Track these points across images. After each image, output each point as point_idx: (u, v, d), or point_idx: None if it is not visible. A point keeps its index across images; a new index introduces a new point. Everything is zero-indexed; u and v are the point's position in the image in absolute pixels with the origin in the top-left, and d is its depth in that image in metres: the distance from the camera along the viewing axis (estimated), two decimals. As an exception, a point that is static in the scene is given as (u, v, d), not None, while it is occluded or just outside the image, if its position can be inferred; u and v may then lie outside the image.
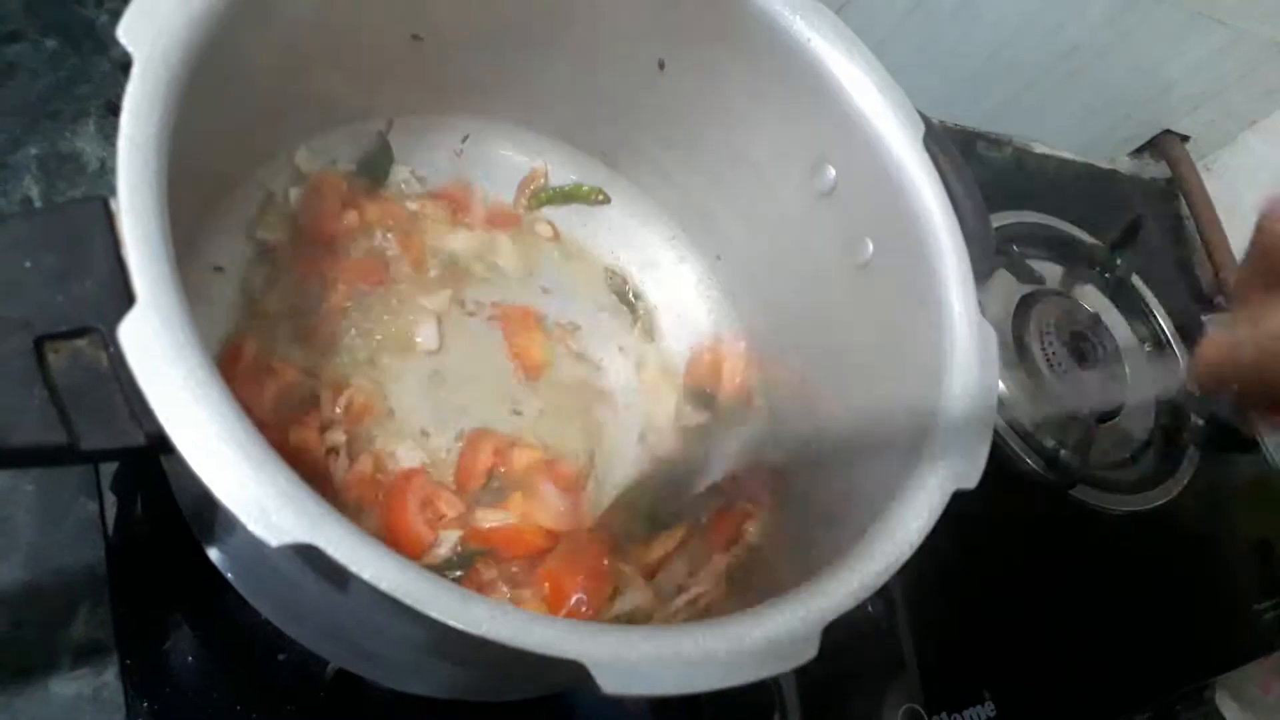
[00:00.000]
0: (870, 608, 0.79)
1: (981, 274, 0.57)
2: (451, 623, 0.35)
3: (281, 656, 0.58)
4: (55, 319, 0.37)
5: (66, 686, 0.57)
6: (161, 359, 0.34)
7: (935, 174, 0.57)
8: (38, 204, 0.67)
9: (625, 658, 0.37)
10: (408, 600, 0.34)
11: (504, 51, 0.66)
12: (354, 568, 0.34)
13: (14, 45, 0.76)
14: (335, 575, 0.35)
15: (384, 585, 0.34)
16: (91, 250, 0.38)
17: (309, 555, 0.34)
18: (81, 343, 0.37)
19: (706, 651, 0.39)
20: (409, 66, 0.65)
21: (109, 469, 0.61)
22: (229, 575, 0.52)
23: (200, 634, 0.59)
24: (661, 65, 0.65)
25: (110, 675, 0.57)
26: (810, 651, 0.40)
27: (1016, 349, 0.99)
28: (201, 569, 0.54)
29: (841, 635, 0.42)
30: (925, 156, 0.57)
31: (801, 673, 0.40)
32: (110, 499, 0.60)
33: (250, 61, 0.50)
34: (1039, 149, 1.32)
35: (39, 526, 0.61)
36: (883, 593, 0.44)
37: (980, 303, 0.55)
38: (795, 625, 0.41)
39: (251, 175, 0.63)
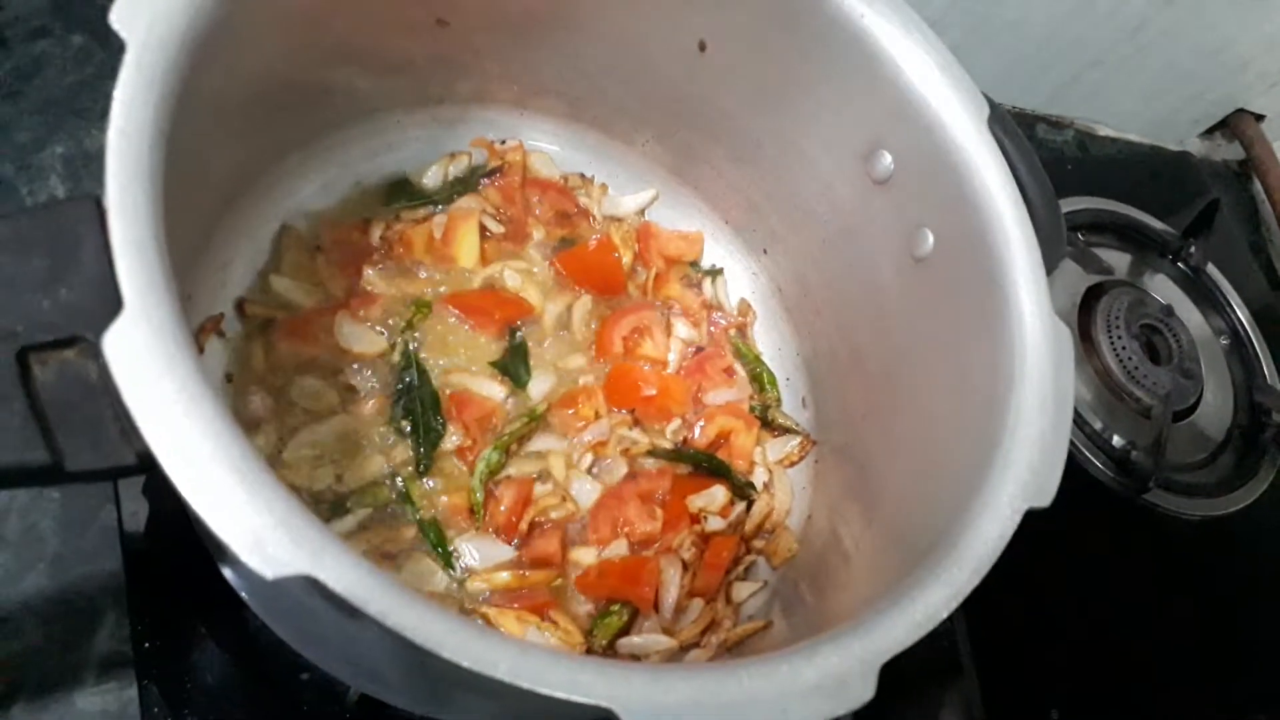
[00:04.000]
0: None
1: (1051, 267, 0.52)
2: (466, 664, 0.31)
3: (305, 676, 0.56)
4: (42, 328, 0.34)
5: (91, 701, 0.56)
6: (150, 370, 0.31)
7: (1001, 160, 0.52)
8: (61, 204, 0.66)
9: (660, 702, 0.33)
10: (417, 639, 0.31)
11: (535, 36, 0.62)
12: (357, 602, 0.31)
13: (40, 41, 0.75)
14: (342, 606, 0.32)
15: (390, 621, 0.31)
16: (82, 253, 0.35)
17: (310, 587, 0.31)
18: (70, 353, 0.34)
19: (750, 694, 0.35)
20: (435, 55, 0.61)
21: (129, 479, 0.59)
22: (244, 595, 0.49)
23: (223, 651, 0.57)
24: (703, 47, 0.61)
25: (135, 691, 0.55)
26: (867, 693, 0.36)
27: (1083, 344, 0.94)
28: (223, 584, 0.51)
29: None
30: (990, 141, 0.53)
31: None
32: (129, 509, 0.58)
33: (260, 50, 0.47)
34: (1103, 131, 1.26)
35: (64, 536, 0.60)
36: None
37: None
38: (851, 663, 0.37)
39: (273, 169, 0.60)
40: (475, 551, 0.55)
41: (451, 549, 0.56)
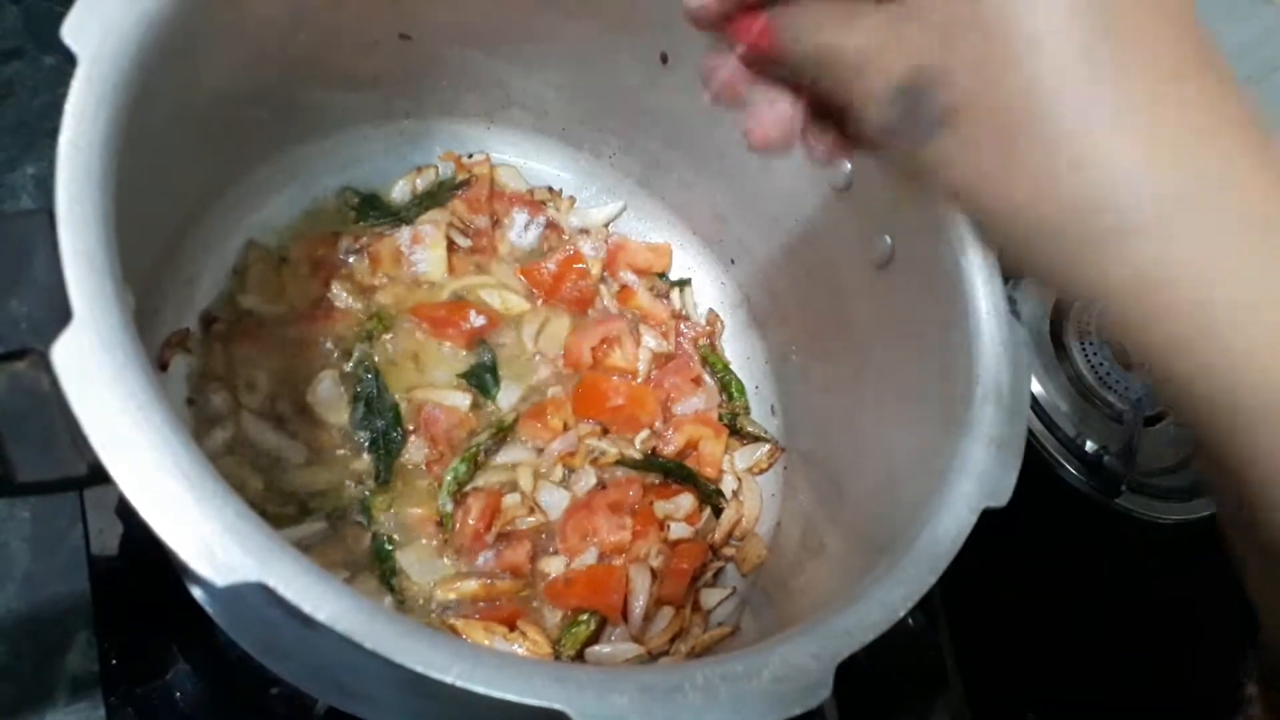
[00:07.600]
0: (911, 621, 0.75)
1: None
2: (417, 668, 0.31)
3: (274, 691, 0.56)
4: (-7, 340, 0.34)
5: (62, 722, 0.55)
6: (98, 381, 0.32)
7: (956, 163, 0.53)
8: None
9: (615, 704, 0.33)
10: (368, 644, 0.31)
11: (499, 50, 0.63)
12: (308, 608, 0.31)
13: (13, 63, 0.75)
14: (294, 613, 0.32)
15: (341, 627, 0.31)
16: (34, 266, 0.35)
17: (261, 594, 0.31)
18: (21, 365, 0.34)
19: (706, 695, 0.35)
20: (400, 69, 0.62)
21: (96, 496, 0.59)
22: (210, 611, 0.49)
23: (193, 668, 0.57)
24: (664, 59, 0.62)
25: (104, 712, 0.55)
26: (824, 692, 0.36)
27: (1054, 349, 0.94)
28: (193, 602, 0.51)
29: (883, 649, 0.39)
30: (946, 145, 0.53)
31: (842, 686, 0.36)
32: (96, 527, 0.58)
33: (221, 64, 0.48)
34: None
35: (34, 555, 0.59)
36: (925, 606, 0.39)
37: (1013, 300, 0.51)
38: (807, 663, 0.37)
39: (240, 182, 0.60)
40: (419, 568, 0.55)
41: (395, 564, 0.56)
